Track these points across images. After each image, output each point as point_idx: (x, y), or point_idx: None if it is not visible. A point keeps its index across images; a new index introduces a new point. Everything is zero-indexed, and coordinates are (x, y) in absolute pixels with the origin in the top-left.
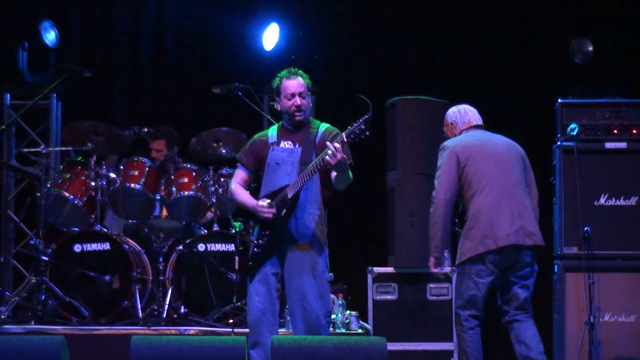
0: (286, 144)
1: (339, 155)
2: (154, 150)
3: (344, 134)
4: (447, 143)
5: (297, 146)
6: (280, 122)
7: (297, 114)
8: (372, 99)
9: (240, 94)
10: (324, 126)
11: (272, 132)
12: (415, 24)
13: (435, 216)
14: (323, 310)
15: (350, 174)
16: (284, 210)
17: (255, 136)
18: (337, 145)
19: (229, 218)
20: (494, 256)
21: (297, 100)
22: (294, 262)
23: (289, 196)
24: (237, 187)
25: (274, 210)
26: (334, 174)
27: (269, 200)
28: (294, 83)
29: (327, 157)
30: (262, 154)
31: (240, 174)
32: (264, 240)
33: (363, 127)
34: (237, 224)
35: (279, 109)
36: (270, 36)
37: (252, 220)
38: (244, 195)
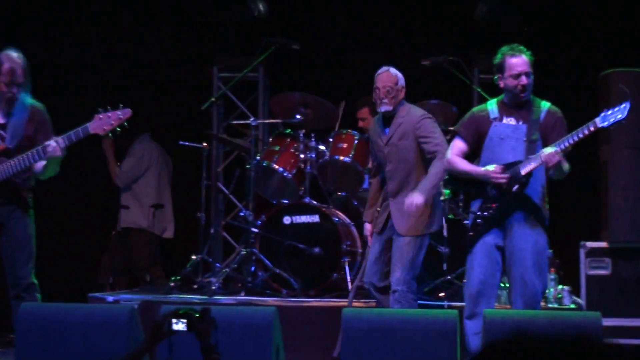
0: (510, 121)
1: (556, 158)
2: (360, 120)
3: (596, 120)
4: None
5: (520, 123)
6: (499, 98)
7: (522, 94)
8: (583, 71)
9: (449, 66)
10: (546, 105)
11: (492, 106)
12: None
13: None
14: (541, 286)
15: (568, 167)
16: (517, 186)
17: (474, 109)
18: (551, 151)
19: None
20: None
21: (523, 79)
22: (519, 238)
23: (523, 173)
24: (456, 157)
25: (508, 174)
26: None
27: (501, 165)
28: (519, 62)
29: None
30: (483, 129)
31: (457, 145)
32: (489, 213)
33: (620, 116)
34: (446, 192)
35: (501, 85)
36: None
37: (470, 190)
38: (466, 164)
